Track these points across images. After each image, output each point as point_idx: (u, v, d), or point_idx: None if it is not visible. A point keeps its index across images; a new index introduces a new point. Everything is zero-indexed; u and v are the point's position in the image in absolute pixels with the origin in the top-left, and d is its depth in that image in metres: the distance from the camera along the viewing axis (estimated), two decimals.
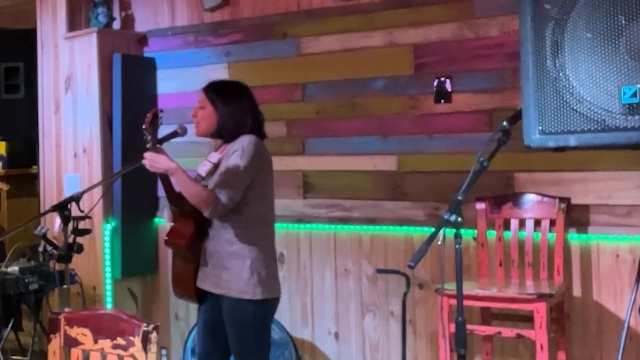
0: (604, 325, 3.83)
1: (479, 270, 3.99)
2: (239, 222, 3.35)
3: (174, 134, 3.47)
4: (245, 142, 3.34)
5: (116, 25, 5.44)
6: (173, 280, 3.51)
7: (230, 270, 3.34)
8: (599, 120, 2.74)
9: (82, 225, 3.62)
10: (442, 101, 4.25)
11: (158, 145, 3.23)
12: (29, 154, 6.95)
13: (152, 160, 3.19)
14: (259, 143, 3.40)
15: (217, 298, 3.42)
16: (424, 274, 4.28)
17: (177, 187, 3.23)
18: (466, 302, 3.10)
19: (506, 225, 3.97)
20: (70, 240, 3.56)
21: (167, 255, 5.00)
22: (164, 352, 5.07)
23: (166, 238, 3.42)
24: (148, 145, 3.22)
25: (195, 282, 3.43)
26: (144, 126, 3.23)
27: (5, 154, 7.56)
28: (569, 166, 3.88)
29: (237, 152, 3.31)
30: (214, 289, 3.40)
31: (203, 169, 3.42)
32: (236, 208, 3.30)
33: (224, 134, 3.44)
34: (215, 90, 3.49)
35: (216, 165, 3.39)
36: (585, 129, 2.78)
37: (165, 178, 3.29)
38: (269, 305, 3.42)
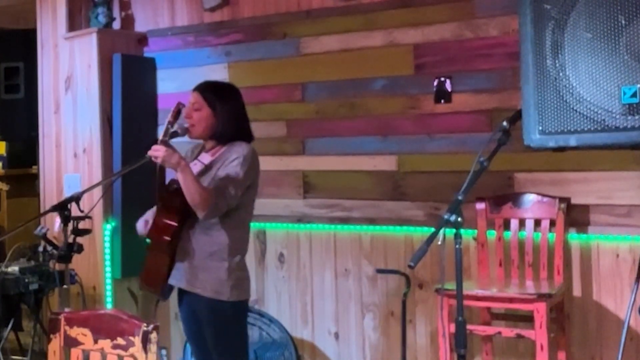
0: (604, 325, 3.83)
1: (479, 270, 3.99)
2: (224, 226, 3.36)
3: (174, 134, 3.47)
4: (245, 150, 3.36)
5: (116, 25, 5.44)
6: (144, 273, 3.46)
7: (208, 270, 3.35)
8: (599, 120, 2.75)
9: (82, 225, 3.61)
10: (442, 101, 4.25)
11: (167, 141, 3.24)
12: (29, 154, 6.96)
13: (165, 153, 3.16)
14: (255, 152, 3.42)
15: (190, 297, 3.43)
16: (424, 274, 4.28)
17: (182, 184, 3.20)
18: (466, 302, 3.10)
19: (506, 225, 3.97)
20: (70, 240, 3.55)
21: None
22: (164, 352, 5.07)
23: (150, 231, 3.39)
24: (162, 138, 3.21)
25: (167, 278, 3.42)
26: (169, 118, 3.25)
27: (5, 154, 7.56)
28: (569, 166, 3.88)
29: (238, 159, 3.32)
30: (188, 287, 3.40)
31: (194, 168, 3.40)
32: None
33: (223, 136, 3.43)
34: (213, 92, 3.46)
35: (207, 167, 3.40)
36: (585, 129, 2.78)
37: (161, 173, 3.29)
38: (242, 306, 3.46)
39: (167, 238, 3.35)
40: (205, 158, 3.44)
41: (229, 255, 3.36)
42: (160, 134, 3.24)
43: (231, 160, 3.33)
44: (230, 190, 3.28)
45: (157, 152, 3.17)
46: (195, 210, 3.24)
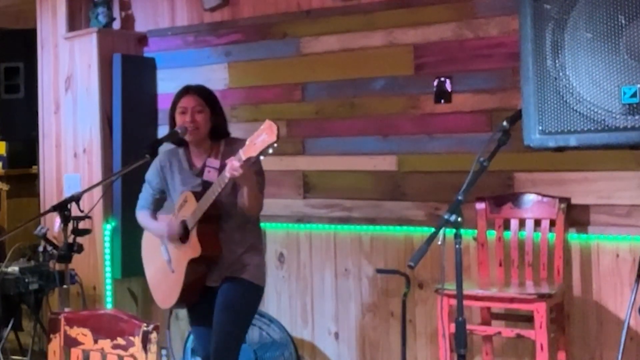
0: (604, 325, 3.83)
1: (479, 270, 3.99)
2: (253, 220, 3.53)
3: (174, 134, 3.48)
4: None
5: (116, 25, 5.44)
6: (185, 290, 3.46)
7: (247, 261, 3.49)
8: (599, 120, 2.75)
9: (82, 225, 3.62)
10: (442, 101, 4.25)
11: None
12: (29, 154, 6.96)
13: (246, 171, 3.17)
14: None
15: (212, 291, 3.49)
16: (424, 274, 4.27)
17: (250, 194, 3.29)
18: (466, 302, 3.10)
19: (506, 225, 3.97)
20: (70, 240, 3.56)
21: None
22: (164, 352, 5.07)
23: (202, 252, 3.37)
24: (250, 157, 3.11)
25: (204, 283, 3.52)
26: (276, 141, 3.03)
27: (5, 154, 7.56)
28: (569, 166, 3.88)
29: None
30: (220, 282, 3.48)
31: (209, 176, 3.46)
32: None
33: (218, 135, 3.55)
34: (209, 94, 3.59)
35: (221, 169, 3.42)
36: (585, 129, 2.78)
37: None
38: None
39: (219, 250, 3.44)
40: (214, 162, 3.50)
41: (260, 243, 3.61)
42: (251, 154, 3.08)
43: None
44: (263, 187, 3.48)
45: (237, 171, 3.15)
46: (249, 212, 3.40)
